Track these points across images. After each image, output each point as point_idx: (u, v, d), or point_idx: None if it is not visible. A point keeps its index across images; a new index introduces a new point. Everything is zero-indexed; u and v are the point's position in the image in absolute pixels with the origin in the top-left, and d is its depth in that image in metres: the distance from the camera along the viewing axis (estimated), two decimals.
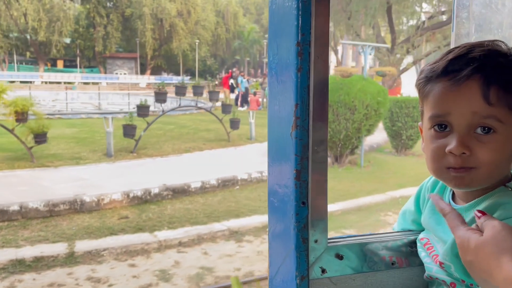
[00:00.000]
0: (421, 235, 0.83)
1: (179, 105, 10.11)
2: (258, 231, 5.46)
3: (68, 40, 43.31)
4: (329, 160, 8.90)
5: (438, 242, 0.76)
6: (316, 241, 0.69)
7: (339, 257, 0.73)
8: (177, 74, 45.01)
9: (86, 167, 7.58)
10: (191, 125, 12.98)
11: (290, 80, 0.64)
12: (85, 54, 43.66)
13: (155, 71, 45.76)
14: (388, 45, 15.68)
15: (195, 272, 4.25)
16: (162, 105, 9.13)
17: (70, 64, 47.16)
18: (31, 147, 7.56)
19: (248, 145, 10.47)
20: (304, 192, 0.65)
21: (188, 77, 42.97)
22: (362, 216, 6.22)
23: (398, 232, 0.89)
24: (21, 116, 7.29)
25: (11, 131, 7.36)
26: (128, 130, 8.41)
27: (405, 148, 10.42)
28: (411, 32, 16.36)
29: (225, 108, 10.32)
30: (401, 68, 18.11)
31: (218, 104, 21.16)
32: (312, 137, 0.65)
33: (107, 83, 38.35)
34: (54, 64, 49.40)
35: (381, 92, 8.56)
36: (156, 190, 6.19)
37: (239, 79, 19.92)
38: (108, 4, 41.01)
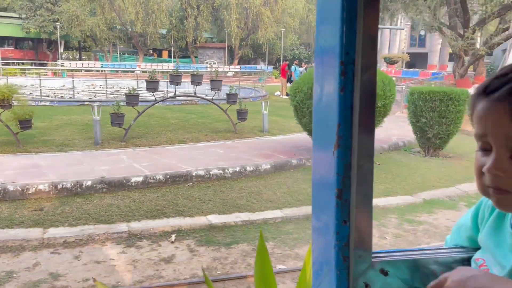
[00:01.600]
0: (477, 255, 0.82)
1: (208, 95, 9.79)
2: (163, 235, 4.91)
3: (164, 31, 45.88)
4: None
5: (496, 266, 0.75)
6: (360, 257, 0.68)
7: (384, 273, 0.74)
8: (266, 63, 45.04)
9: (63, 154, 7.67)
10: (201, 115, 12.62)
11: (333, 99, 0.64)
12: (178, 45, 45.83)
13: (243, 61, 46.38)
14: (403, 28, 13.35)
15: (37, 279, 3.88)
16: (154, 93, 8.88)
17: (170, 55, 50.06)
18: (17, 133, 7.86)
19: (256, 138, 9.77)
20: (346, 211, 0.65)
21: (272, 66, 42.74)
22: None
23: (450, 248, 0.89)
24: (5, 103, 7.58)
25: None
26: (115, 119, 8.33)
27: (434, 148, 8.80)
28: (492, 9, 13.76)
29: (230, 97, 9.72)
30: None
31: (277, 93, 20.56)
32: (355, 156, 0.64)
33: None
34: (160, 55, 53.02)
35: (381, 83, 7.23)
36: (89, 183, 5.95)
37: (293, 67, 19.03)
38: None
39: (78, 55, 56.67)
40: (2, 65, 40.59)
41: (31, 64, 45.95)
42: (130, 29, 42.78)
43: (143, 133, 9.53)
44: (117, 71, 36.35)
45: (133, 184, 6.19)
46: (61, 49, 59.37)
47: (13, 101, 7.72)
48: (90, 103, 10.76)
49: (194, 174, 6.65)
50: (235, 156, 7.88)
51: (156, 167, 6.86)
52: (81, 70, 35.80)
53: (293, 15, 43.63)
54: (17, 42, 53.49)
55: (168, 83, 12.30)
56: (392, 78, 7.91)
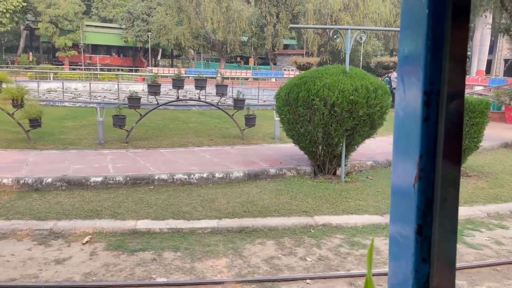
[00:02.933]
0: None
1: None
2: (81, 236, 4.96)
3: (245, 39, 47.04)
4: (310, 169, 7.37)
5: None
6: None
7: None
8: None
9: (62, 152, 8.17)
10: (218, 120, 12.51)
11: (415, 129, 0.61)
12: (258, 52, 46.60)
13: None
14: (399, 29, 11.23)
15: None
16: (156, 97, 9.06)
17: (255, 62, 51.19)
18: (28, 130, 8.57)
19: (261, 145, 9.48)
20: (426, 248, 0.62)
21: None
22: None
23: None
24: (17, 103, 8.32)
25: (11, 115, 8.46)
26: (117, 121, 8.67)
27: None
28: None
29: (237, 103, 9.56)
30: None
31: None
32: (437, 189, 0.61)
33: (275, 79, 40.29)
34: (246, 62, 54.54)
35: (364, 89, 6.52)
36: (49, 180, 6.24)
37: None
38: (279, 3, 42.67)
39: (171, 62, 60.66)
40: (102, 70, 45.02)
41: (128, 71, 50.21)
42: (213, 37, 44.52)
43: (150, 136, 9.79)
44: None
45: (92, 184, 6.36)
46: (158, 57, 64.16)
47: (23, 102, 8.41)
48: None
49: (156, 177, 6.63)
50: (217, 162, 7.71)
51: (126, 169, 6.98)
52: (167, 76, 38.07)
53: (375, 20, 41.85)
54: (117, 50, 58.87)
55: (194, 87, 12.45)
56: (383, 84, 7.09)
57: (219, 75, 42.01)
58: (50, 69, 38.82)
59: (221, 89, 9.41)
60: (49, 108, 14.69)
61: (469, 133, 7.32)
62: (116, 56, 58.54)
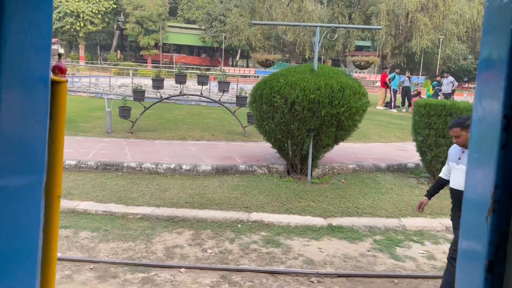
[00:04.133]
0: None
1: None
2: None
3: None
4: (284, 168, 7.31)
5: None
6: None
7: None
8: (420, 73, 41.66)
9: (68, 137, 8.93)
10: (229, 117, 12.53)
11: (491, 155, 0.56)
12: (328, 53, 45.89)
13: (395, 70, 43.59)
14: (380, 27, 9.59)
15: None
16: (160, 91, 9.50)
17: (334, 64, 50.60)
18: None
19: (262, 142, 9.47)
20: (496, 287, 0.57)
21: (423, 77, 39.07)
22: None
23: None
24: None
25: None
26: (122, 112, 9.28)
27: (435, 172, 7.15)
28: None
29: (239, 100, 9.66)
30: None
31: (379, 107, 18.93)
32: None
33: None
34: (323, 63, 54.16)
35: (328, 88, 6.28)
36: None
37: (391, 75, 17.18)
38: (352, 3, 41.64)
39: (247, 62, 62.14)
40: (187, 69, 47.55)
41: (205, 70, 52.36)
42: (283, 38, 44.77)
43: (159, 128, 10.29)
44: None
45: (66, 167, 6.91)
46: (237, 57, 66.04)
47: None
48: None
49: (125, 165, 7.01)
50: (197, 155, 7.90)
51: (105, 155, 7.46)
52: (239, 76, 39.14)
53: (456, 21, 39.01)
54: (197, 50, 61.60)
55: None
56: (357, 83, 6.72)
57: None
58: (131, 66, 41.86)
59: (222, 86, 9.60)
60: (95, 100, 16.03)
61: None
62: (195, 56, 61.23)
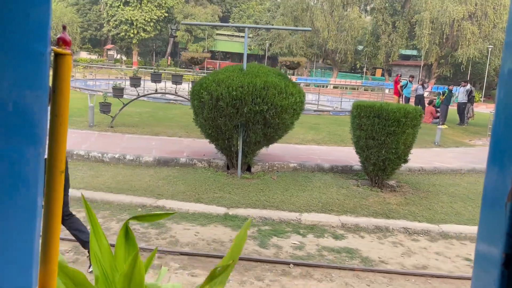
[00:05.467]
0: None
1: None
2: None
3: (360, 48, 45.96)
4: (223, 163, 7.63)
5: None
6: None
7: None
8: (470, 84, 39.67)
9: None
10: None
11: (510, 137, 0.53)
12: (372, 62, 45.06)
13: (441, 81, 41.95)
14: (310, 29, 8.58)
15: None
16: (137, 89, 10.14)
17: (384, 73, 49.66)
18: None
19: None
20: None
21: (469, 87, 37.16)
22: None
23: None
24: None
25: None
26: (102, 107, 10.03)
27: (370, 174, 7.11)
28: None
29: None
30: None
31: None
32: None
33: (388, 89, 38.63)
34: (373, 73, 53.36)
35: (249, 87, 6.51)
36: None
37: (403, 82, 16.70)
38: (396, 12, 40.67)
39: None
40: None
41: None
42: (325, 47, 44.60)
43: (140, 124, 10.93)
44: (307, 85, 38.63)
45: None
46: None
47: None
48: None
49: (75, 153, 7.64)
50: (152, 148, 8.38)
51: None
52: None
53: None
54: (242, 57, 62.79)
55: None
56: (285, 83, 6.83)
57: (331, 83, 41.90)
58: (176, 71, 43.66)
59: (175, 78, 9.95)
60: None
61: (386, 144, 6.63)
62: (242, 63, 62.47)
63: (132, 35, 52.43)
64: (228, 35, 60.01)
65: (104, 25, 54.96)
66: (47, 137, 0.73)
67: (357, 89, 36.59)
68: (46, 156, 0.77)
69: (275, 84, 6.70)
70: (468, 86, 16.82)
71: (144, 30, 52.55)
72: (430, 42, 37.20)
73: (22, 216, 0.66)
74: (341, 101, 22.35)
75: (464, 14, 35.54)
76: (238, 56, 62.77)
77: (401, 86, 16.67)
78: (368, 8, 41.88)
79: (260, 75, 6.78)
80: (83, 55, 64.53)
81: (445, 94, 15.54)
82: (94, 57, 61.29)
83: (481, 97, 36.90)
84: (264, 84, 6.60)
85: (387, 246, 5.05)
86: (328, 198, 6.46)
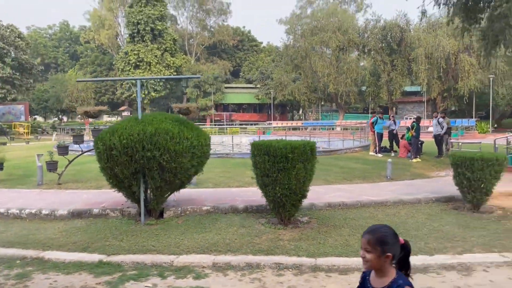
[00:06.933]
0: None
1: None
2: None
3: (364, 88, 46.18)
4: (135, 211, 7.69)
5: None
6: None
7: None
8: (473, 115, 38.96)
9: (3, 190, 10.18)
10: None
11: None
12: (375, 101, 45.04)
13: (448, 114, 41.26)
14: (200, 76, 8.42)
15: None
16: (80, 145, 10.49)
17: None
18: None
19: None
20: None
21: (475, 119, 36.38)
22: None
23: None
24: None
25: None
26: (49, 166, 10.39)
27: (282, 215, 6.98)
28: None
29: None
30: None
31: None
32: None
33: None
34: (386, 111, 53.21)
35: (138, 135, 6.67)
36: None
37: (374, 119, 16.53)
38: (392, 51, 41.00)
39: (304, 115, 62.97)
40: (240, 125, 49.70)
41: (255, 124, 53.91)
42: (326, 90, 45.09)
43: (87, 179, 11.17)
44: (314, 129, 38.79)
45: None
46: (300, 111, 67.31)
47: None
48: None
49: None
50: (78, 201, 8.53)
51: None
52: (287, 128, 39.98)
53: (509, 59, 36.39)
54: (254, 107, 64.03)
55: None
56: (170, 131, 6.87)
57: (337, 124, 41.81)
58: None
59: (76, 138, 10.29)
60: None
61: (278, 180, 6.57)
62: (253, 112, 63.65)
63: (143, 96, 54.59)
64: (236, 87, 61.63)
65: (117, 88, 57.62)
66: None
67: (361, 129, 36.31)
68: None
69: (167, 130, 6.84)
70: (440, 118, 16.51)
71: (155, 90, 54.67)
72: (429, 77, 37.10)
73: None
74: (328, 141, 22.32)
75: (460, 46, 35.53)
76: (251, 106, 64.12)
77: (372, 123, 16.53)
78: (366, 49, 42.47)
79: (153, 123, 6.95)
80: (105, 118, 67.75)
81: (414, 128, 15.28)
82: (113, 119, 64.18)
83: (489, 128, 35.89)
84: (155, 131, 6.76)
85: (242, 283, 4.88)
86: (220, 238, 6.35)
